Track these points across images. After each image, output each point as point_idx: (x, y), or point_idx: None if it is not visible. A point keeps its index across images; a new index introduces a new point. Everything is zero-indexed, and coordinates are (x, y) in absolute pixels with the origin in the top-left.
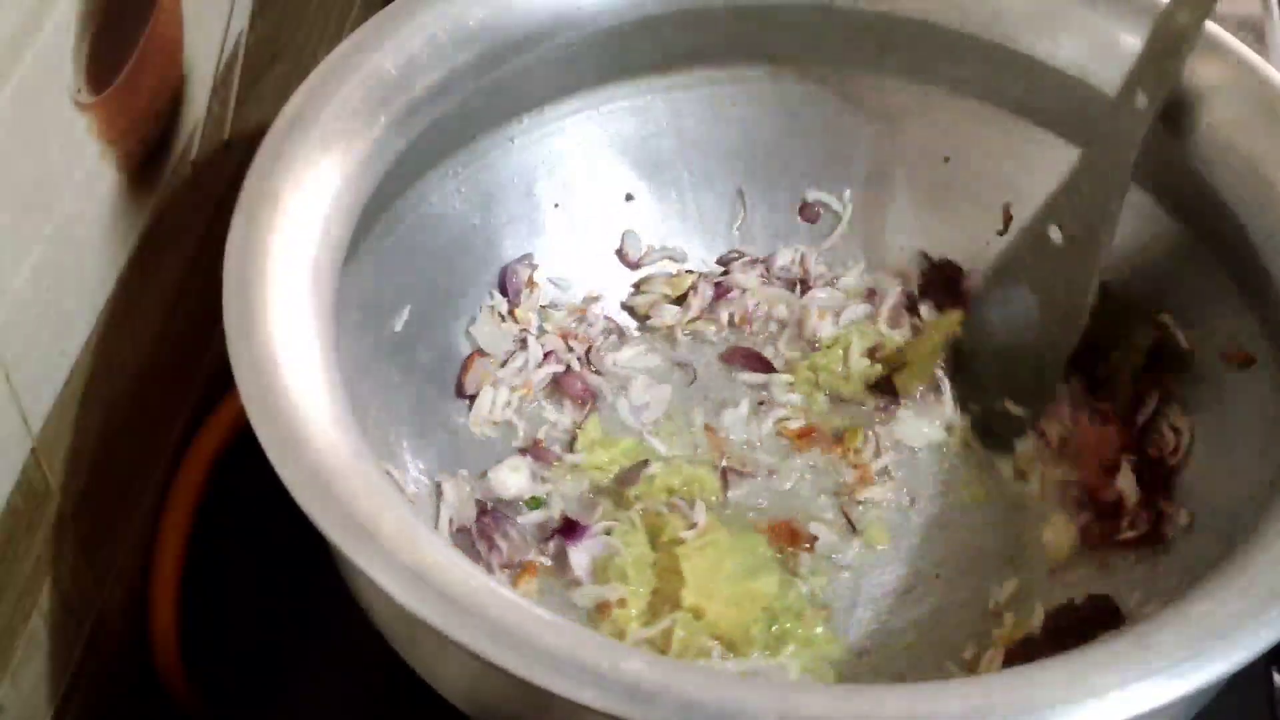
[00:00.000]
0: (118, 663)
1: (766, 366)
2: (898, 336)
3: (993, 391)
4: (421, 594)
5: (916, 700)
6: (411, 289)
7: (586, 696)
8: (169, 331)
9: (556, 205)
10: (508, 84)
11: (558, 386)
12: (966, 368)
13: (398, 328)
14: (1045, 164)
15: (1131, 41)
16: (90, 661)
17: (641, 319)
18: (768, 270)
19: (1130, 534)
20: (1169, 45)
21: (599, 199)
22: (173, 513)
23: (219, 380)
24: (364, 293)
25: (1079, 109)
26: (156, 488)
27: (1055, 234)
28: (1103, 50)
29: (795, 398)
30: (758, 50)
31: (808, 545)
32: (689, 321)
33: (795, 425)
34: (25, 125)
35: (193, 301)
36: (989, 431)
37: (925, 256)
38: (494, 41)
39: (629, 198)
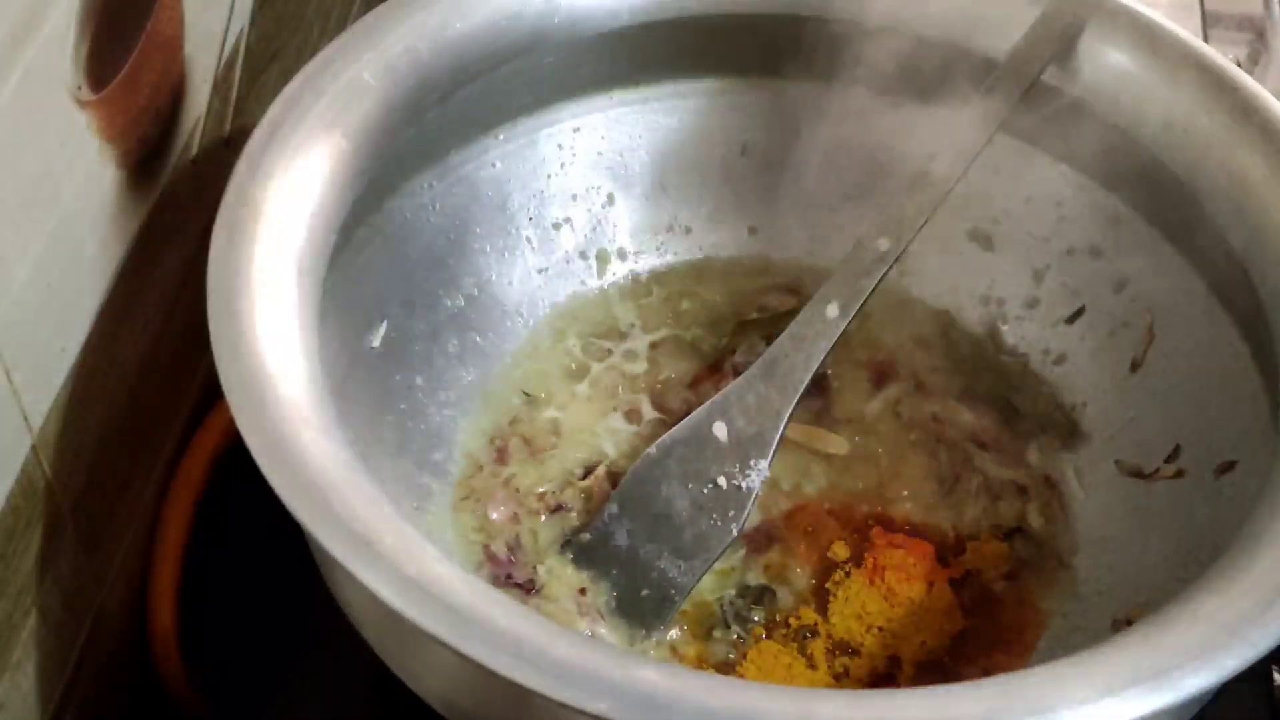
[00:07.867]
0: (118, 662)
1: None
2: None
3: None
4: (429, 608)
5: (932, 703)
6: (387, 304)
7: (601, 707)
8: (169, 329)
9: (531, 219)
10: (484, 97)
11: None
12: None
13: (375, 344)
14: (1030, 180)
15: (1120, 58)
16: (90, 660)
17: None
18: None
19: None
20: (866, 265)
21: (574, 212)
22: (173, 511)
23: (219, 378)
24: (340, 308)
25: (1065, 122)
26: (156, 486)
27: (721, 431)
28: (1096, 67)
29: None
30: (731, 63)
31: None
32: None
33: None
34: (25, 122)
35: (193, 299)
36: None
37: None
38: (472, 54)
39: (604, 208)
